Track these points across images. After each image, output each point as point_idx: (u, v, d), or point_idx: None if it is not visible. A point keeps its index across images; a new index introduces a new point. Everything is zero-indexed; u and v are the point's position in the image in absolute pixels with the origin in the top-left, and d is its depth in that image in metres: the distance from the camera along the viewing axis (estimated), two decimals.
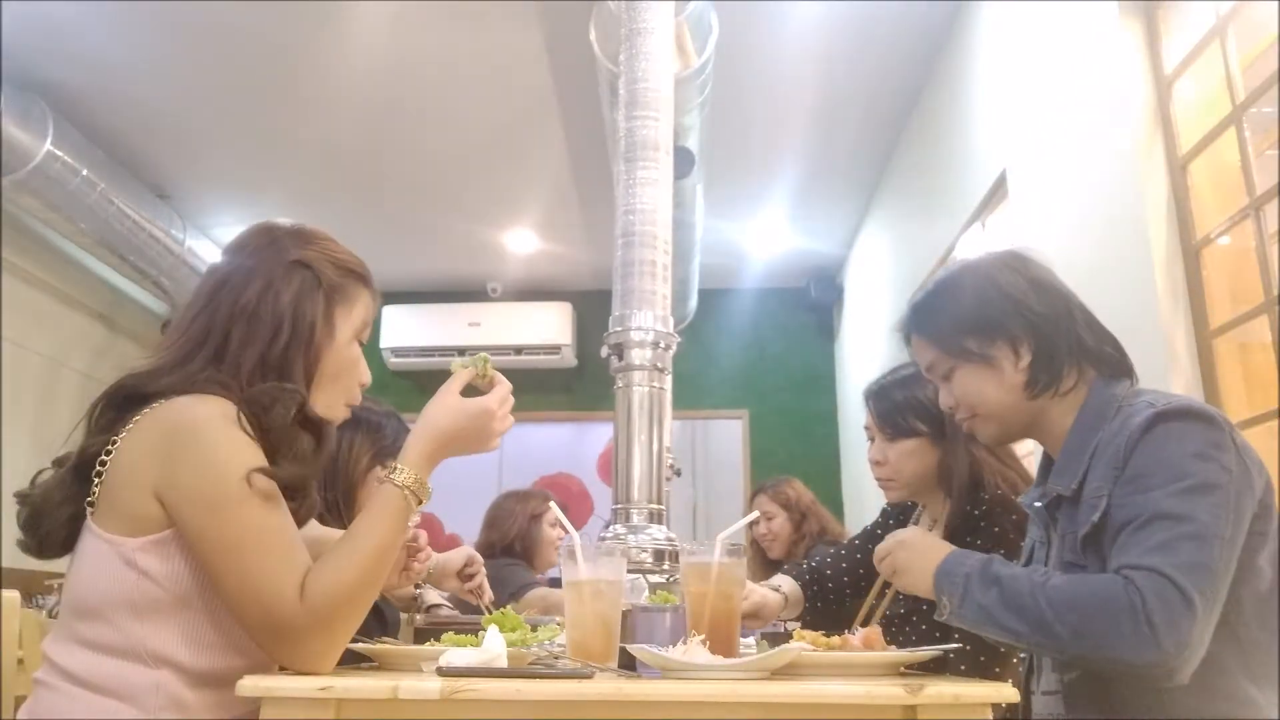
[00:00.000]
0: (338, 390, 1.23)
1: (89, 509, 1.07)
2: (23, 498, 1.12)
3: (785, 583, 1.89)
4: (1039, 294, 1.31)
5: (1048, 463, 1.35)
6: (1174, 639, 1.01)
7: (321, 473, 1.78)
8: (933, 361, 1.37)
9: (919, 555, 1.27)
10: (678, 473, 1.94)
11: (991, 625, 1.15)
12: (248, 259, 1.20)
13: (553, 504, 1.66)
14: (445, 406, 1.17)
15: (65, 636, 1.07)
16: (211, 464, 1.03)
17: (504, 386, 1.22)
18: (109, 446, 1.08)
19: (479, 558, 1.83)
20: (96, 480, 1.07)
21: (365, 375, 1.27)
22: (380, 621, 1.77)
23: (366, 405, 1.51)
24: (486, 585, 1.83)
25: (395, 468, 1.11)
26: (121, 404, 1.12)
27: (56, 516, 1.09)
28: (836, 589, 1.89)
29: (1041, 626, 1.09)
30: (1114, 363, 1.29)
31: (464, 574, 1.81)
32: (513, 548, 2.93)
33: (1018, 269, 1.34)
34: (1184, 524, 1.06)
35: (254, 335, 1.15)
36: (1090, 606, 1.07)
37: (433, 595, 2.07)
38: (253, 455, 1.07)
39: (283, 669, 1.04)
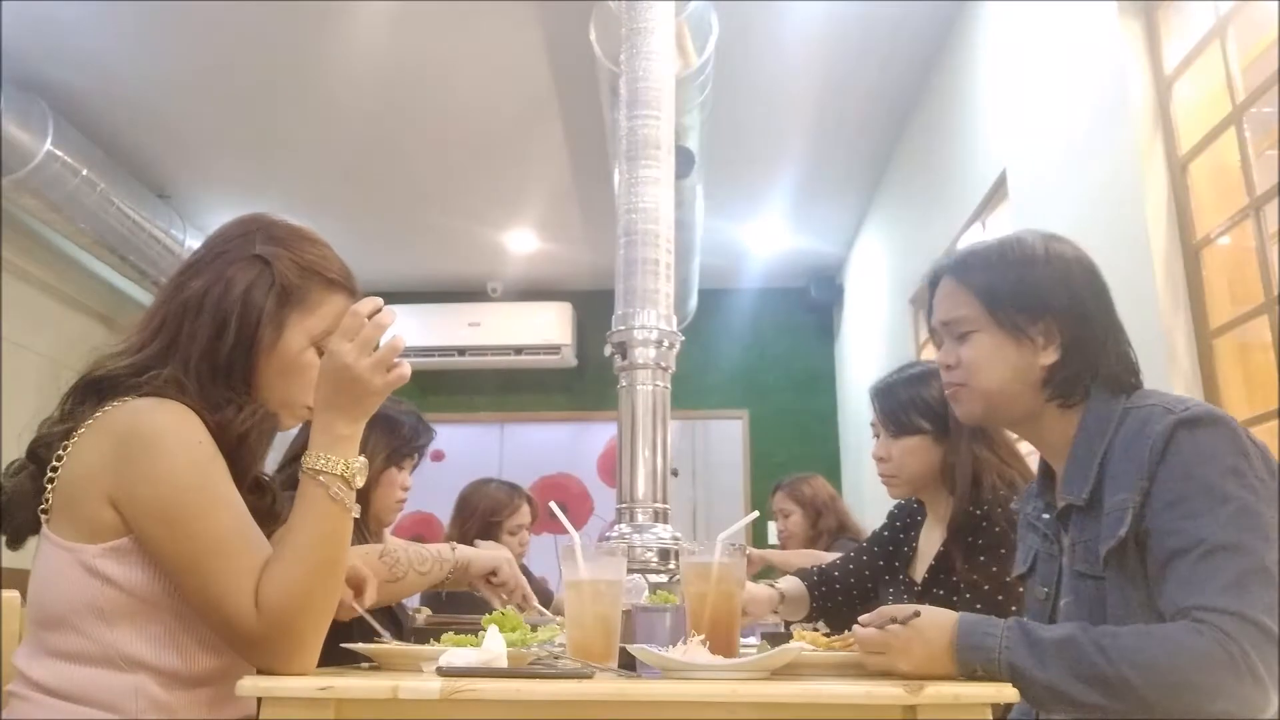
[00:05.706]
0: (287, 394, 1.15)
1: (43, 516, 1.04)
2: None
3: (789, 582, 1.89)
4: (1098, 305, 1.24)
5: (1047, 470, 1.29)
6: (1276, 686, 0.98)
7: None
8: (960, 316, 1.26)
9: (920, 638, 1.09)
10: (674, 473, 1.93)
11: (1060, 703, 1.03)
12: (215, 249, 1.16)
13: (553, 504, 1.62)
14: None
15: (35, 649, 1.03)
16: (167, 475, 1.00)
17: (350, 319, 1.02)
18: (64, 443, 1.04)
19: (505, 565, 1.61)
20: (49, 486, 1.03)
21: None
22: (397, 628, 1.75)
23: (387, 402, 1.39)
24: (527, 588, 1.62)
25: (307, 454, 1.04)
26: (84, 394, 1.09)
27: (30, 508, 1.06)
28: (844, 592, 1.89)
29: (1124, 693, 0.99)
30: (1124, 385, 1.22)
31: (493, 580, 1.60)
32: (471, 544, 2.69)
33: (1094, 271, 1.28)
34: (1245, 556, 1.02)
35: (200, 328, 1.10)
36: (1182, 663, 0.98)
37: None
38: (212, 462, 1.03)
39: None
